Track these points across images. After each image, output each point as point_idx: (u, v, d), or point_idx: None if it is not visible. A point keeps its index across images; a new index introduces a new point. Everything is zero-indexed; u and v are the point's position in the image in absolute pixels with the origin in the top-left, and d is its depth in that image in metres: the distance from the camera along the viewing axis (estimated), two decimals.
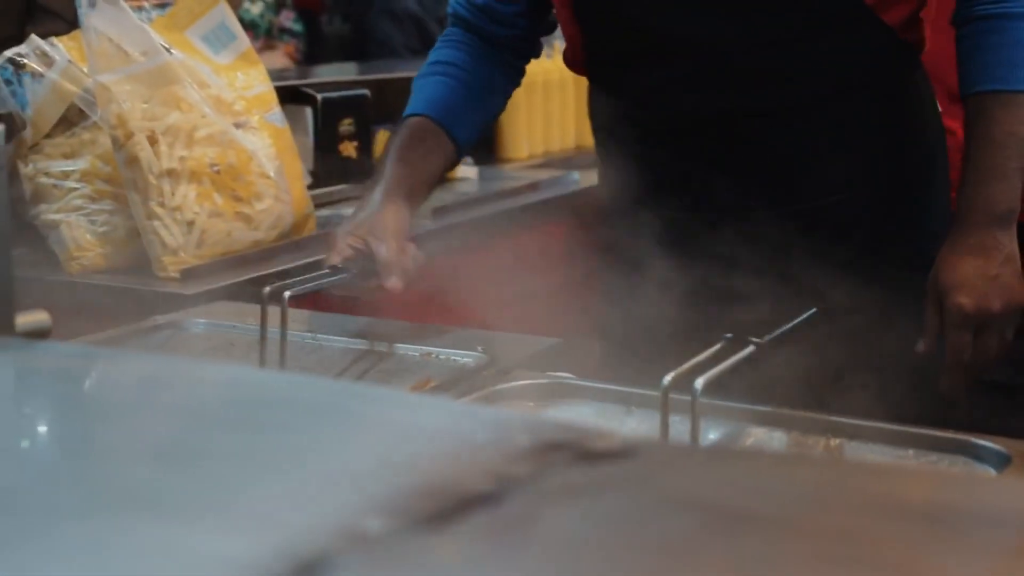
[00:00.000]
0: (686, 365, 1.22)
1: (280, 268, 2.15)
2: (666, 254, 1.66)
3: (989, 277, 1.55)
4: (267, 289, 1.57)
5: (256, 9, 5.30)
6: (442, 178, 1.90)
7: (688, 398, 1.20)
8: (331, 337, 1.75)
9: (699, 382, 1.19)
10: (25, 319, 0.89)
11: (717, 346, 1.27)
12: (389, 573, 0.48)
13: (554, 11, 1.80)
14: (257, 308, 1.58)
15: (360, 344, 1.73)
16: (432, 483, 0.54)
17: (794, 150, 1.66)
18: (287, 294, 1.55)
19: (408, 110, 1.84)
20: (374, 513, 0.51)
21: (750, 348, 1.28)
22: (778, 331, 1.36)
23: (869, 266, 1.64)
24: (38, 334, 0.90)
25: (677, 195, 1.71)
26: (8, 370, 0.79)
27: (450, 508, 0.52)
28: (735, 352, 1.27)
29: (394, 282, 1.64)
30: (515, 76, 1.92)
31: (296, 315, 1.81)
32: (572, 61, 1.82)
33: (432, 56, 1.88)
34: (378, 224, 1.68)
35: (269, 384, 0.73)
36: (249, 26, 5.04)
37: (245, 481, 0.55)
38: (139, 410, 0.67)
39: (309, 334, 1.77)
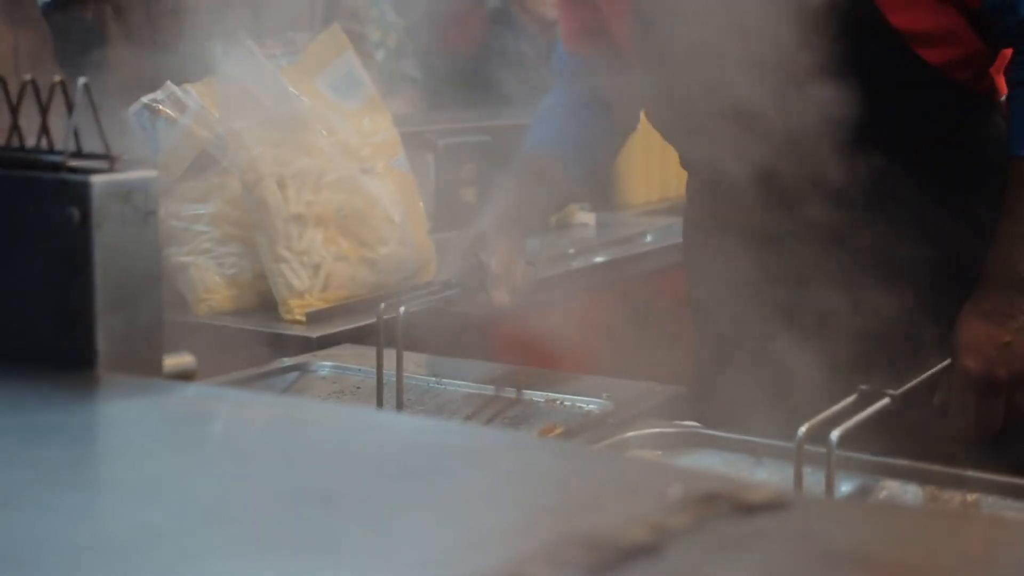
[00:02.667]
0: (820, 416, 1.20)
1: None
2: (783, 302, 1.66)
3: (1000, 344, 1.53)
4: (383, 305, 1.61)
5: (379, 55, 5.37)
6: (556, 207, 1.99)
7: (821, 449, 1.18)
8: (455, 381, 1.76)
9: (835, 434, 1.17)
10: (172, 362, 0.90)
11: (851, 397, 1.25)
12: None
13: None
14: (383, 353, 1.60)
15: (485, 389, 1.74)
16: (593, 533, 0.54)
17: (870, 208, 1.64)
18: (402, 309, 1.60)
19: (525, 144, 1.89)
20: (537, 563, 0.50)
21: (885, 400, 1.26)
22: (912, 382, 1.34)
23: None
24: (183, 376, 0.91)
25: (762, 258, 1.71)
26: (157, 412, 0.80)
27: (612, 559, 0.52)
28: (869, 404, 1.25)
29: (502, 297, 1.68)
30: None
31: (419, 359, 1.83)
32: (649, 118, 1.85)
33: (543, 103, 1.94)
34: (488, 240, 1.72)
35: (417, 429, 0.73)
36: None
37: (404, 527, 0.56)
38: (291, 454, 0.67)
39: (433, 378, 1.78)
